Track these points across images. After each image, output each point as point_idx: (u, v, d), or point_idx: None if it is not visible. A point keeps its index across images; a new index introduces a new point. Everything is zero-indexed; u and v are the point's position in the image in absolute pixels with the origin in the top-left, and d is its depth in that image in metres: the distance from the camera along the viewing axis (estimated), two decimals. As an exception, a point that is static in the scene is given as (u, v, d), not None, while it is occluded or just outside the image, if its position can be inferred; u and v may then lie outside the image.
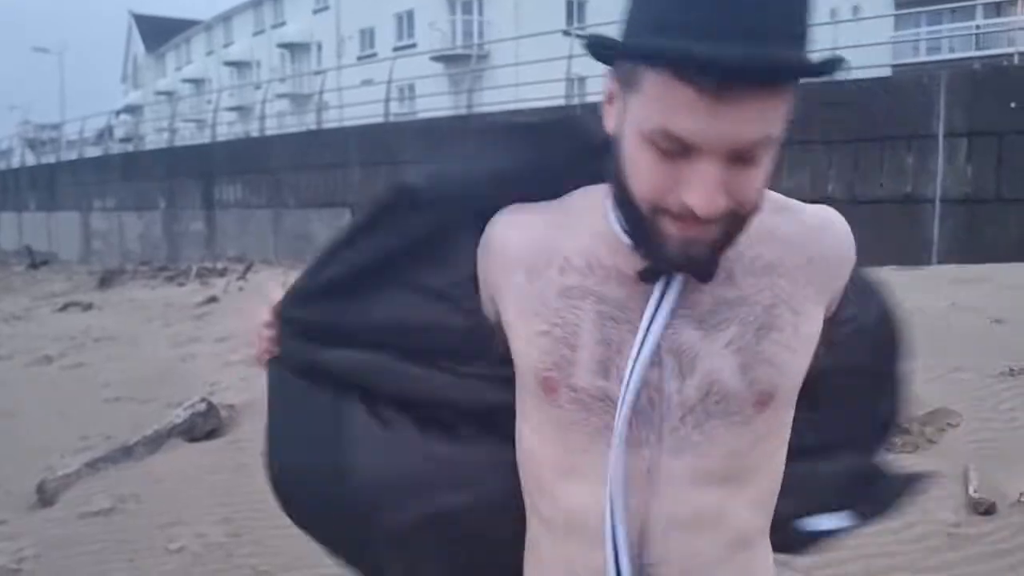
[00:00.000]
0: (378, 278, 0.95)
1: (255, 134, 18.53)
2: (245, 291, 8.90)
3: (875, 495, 1.10)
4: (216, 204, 16.41)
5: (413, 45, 27.72)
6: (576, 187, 0.90)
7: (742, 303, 0.83)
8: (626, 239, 0.81)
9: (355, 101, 16.99)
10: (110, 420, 4.39)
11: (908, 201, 8.18)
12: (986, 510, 2.61)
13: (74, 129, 25.85)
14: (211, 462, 3.64)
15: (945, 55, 18.67)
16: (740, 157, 0.72)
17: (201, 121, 26.04)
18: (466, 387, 0.93)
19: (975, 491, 2.69)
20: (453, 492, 0.92)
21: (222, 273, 11.00)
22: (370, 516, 0.94)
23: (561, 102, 13.67)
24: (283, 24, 37.76)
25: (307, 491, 0.99)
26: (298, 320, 0.98)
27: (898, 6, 20.86)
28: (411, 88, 21.53)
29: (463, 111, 14.17)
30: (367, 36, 32.11)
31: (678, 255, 0.76)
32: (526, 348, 0.86)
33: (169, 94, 39.39)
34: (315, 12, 35.48)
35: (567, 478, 0.85)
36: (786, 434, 0.89)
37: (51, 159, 25.72)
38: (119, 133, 28.15)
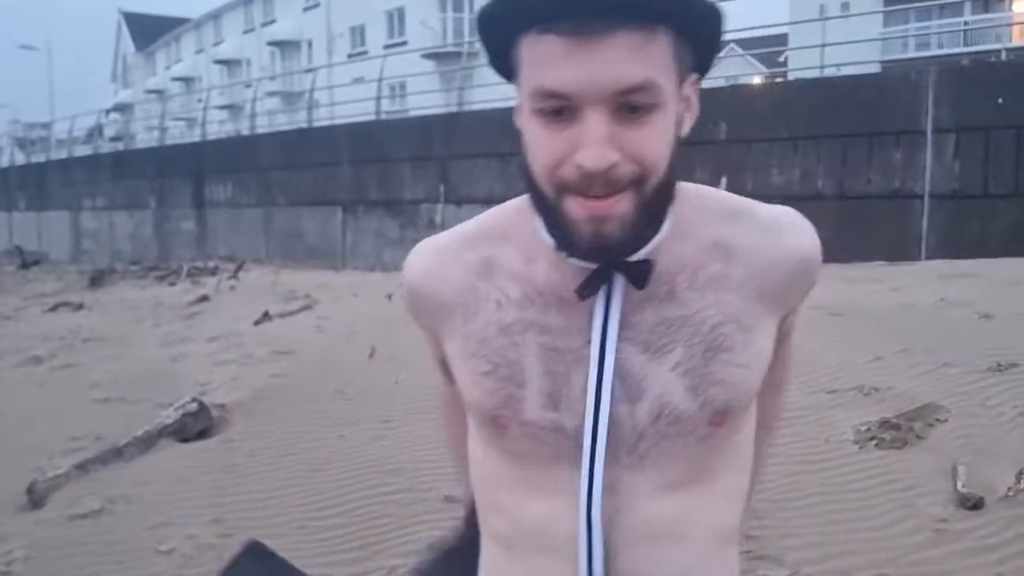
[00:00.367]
0: None
1: (245, 132, 18.47)
2: (236, 290, 8.87)
3: None
4: (207, 203, 16.35)
5: (404, 43, 27.66)
6: None
7: (685, 323, 0.79)
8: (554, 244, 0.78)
9: (346, 99, 16.95)
10: (100, 421, 4.37)
11: (896, 197, 8.21)
12: (974, 505, 2.62)
13: (64, 128, 25.69)
14: (202, 462, 3.63)
15: (934, 51, 18.73)
16: (626, 107, 0.70)
17: (191, 120, 25.93)
18: None
19: (963, 486, 2.70)
20: None
21: (213, 272, 10.97)
22: None
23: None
24: (273, 22, 37.62)
25: None
26: None
27: (887, 3, 20.90)
28: (402, 86, 21.47)
29: (454, 109, 14.14)
30: (358, 34, 32.03)
31: (590, 236, 0.72)
32: (472, 389, 0.83)
33: (159, 93, 39.22)
34: (305, 10, 35.38)
35: (527, 495, 0.83)
36: (751, 426, 0.88)
37: (41, 158, 25.57)
38: (109, 132, 28.00)
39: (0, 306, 9.62)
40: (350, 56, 30.28)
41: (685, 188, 0.83)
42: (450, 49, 25.60)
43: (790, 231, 0.84)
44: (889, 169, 8.23)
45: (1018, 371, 3.52)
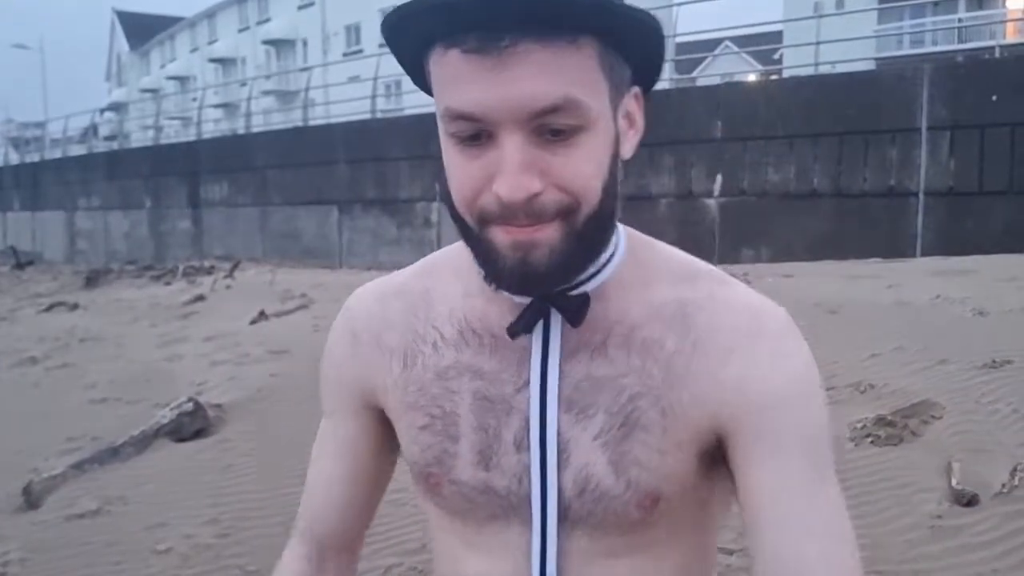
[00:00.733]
0: None
1: (241, 132, 18.44)
2: (232, 290, 8.86)
3: None
4: (202, 202, 16.32)
5: (399, 41, 27.59)
6: None
7: (607, 386, 0.71)
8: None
9: (341, 98, 16.94)
10: (96, 421, 4.36)
11: (892, 194, 8.23)
12: (968, 502, 2.63)
13: (58, 127, 25.63)
14: (198, 462, 3.62)
15: (928, 48, 18.76)
16: (546, 130, 0.62)
17: (186, 119, 25.89)
18: None
19: (958, 483, 2.71)
20: None
21: (209, 272, 10.94)
22: None
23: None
24: (268, 20, 37.59)
25: None
26: None
27: (881, 0, 20.94)
28: (398, 84, 21.47)
29: (450, 107, 14.10)
30: (353, 32, 32.01)
31: (516, 265, 0.65)
32: (409, 445, 0.79)
33: (154, 92, 39.16)
34: (300, 8, 35.35)
35: (466, 551, 0.80)
36: (702, 507, 0.77)
37: (35, 158, 25.51)
38: (104, 131, 27.95)
39: (-5, 306, 9.59)
40: (345, 54, 30.26)
41: (638, 238, 0.77)
42: (445, 47, 25.53)
43: (776, 339, 0.72)
44: (884, 167, 8.25)
45: (1012, 368, 3.53)
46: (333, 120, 15.71)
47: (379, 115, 15.21)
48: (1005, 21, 18.23)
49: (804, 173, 8.65)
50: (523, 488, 0.73)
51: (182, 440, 3.93)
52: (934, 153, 8.00)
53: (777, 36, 18.41)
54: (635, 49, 0.67)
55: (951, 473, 2.78)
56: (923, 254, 7.70)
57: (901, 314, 4.59)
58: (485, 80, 0.61)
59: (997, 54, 10.95)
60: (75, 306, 8.85)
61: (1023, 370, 3.49)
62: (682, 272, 0.75)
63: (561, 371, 0.72)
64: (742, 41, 22.79)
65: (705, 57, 26.24)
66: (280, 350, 5.39)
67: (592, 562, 0.74)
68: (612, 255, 0.73)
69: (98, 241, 19.21)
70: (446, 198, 0.69)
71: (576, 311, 0.70)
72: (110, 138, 26.63)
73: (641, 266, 0.75)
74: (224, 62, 40.85)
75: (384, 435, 0.84)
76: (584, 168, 0.64)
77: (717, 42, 27.69)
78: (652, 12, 0.66)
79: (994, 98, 7.65)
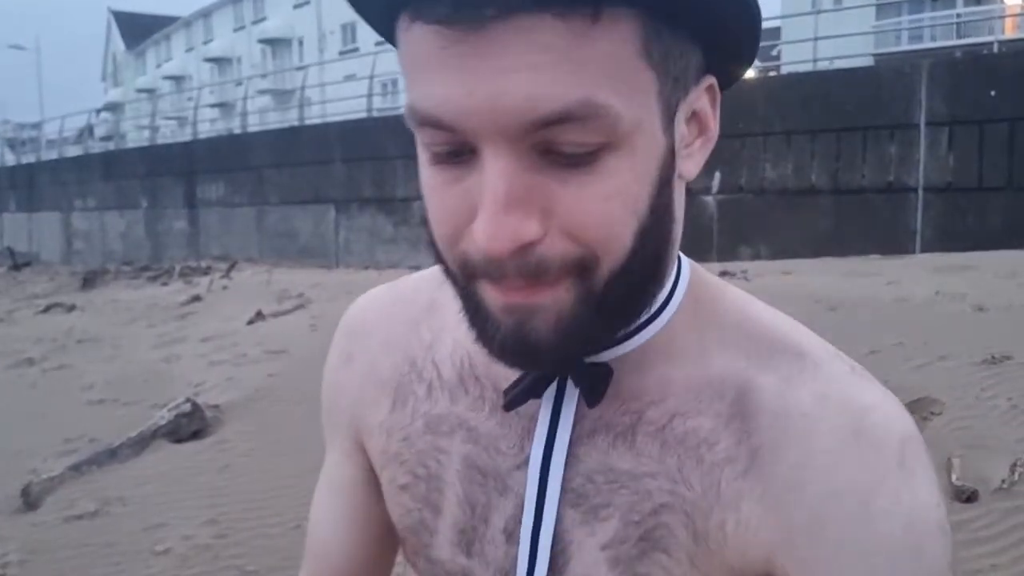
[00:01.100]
0: None
1: (237, 131, 18.42)
2: (229, 290, 8.84)
3: None
4: (199, 202, 16.30)
5: (396, 40, 27.62)
6: None
7: (628, 486, 0.53)
8: None
9: (337, 97, 16.93)
10: (94, 422, 4.35)
11: (891, 190, 8.23)
12: (968, 497, 2.63)
13: (54, 128, 25.61)
14: (196, 463, 3.62)
15: (927, 44, 18.78)
16: (550, 149, 0.43)
17: (182, 119, 25.86)
18: None
19: (958, 479, 2.71)
20: None
21: (206, 272, 10.93)
22: None
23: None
24: (264, 19, 37.59)
25: None
26: None
27: (879, -4, 20.95)
28: (394, 83, 21.44)
29: (447, 105, 14.11)
30: (349, 31, 31.98)
31: (511, 332, 0.46)
32: (389, 501, 0.64)
33: (150, 91, 39.13)
34: (296, 7, 35.33)
35: None
36: None
37: (31, 159, 25.47)
38: (100, 132, 27.92)
39: (-8, 308, 9.57)
40: (341, 53, 30.24)
41: (704, 282, 0.57)
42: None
43: (887, 460, 0.49)
44: (883, 162, 8.25)
45: (1012, 363, 3.53)
46: (329, 119, 15.71)
47: (375, 114, 15.20)
48: (1004, 16, 18.25)
49: (802, 169, 8.65)
50: None
51: (180, 441, 3.92)
52: (933, 149, 8.00)
53: (775, 32, 18.44)
54: (706, 20, 0.46)
55: (951, 469, 2.78)
56: (923, 250, 7.71)
57: (901, 310, 4.59)
58: (460, 69, 0.42)
59: (996, 49, 10.95)
60: (72, 307, 8.83)
61: (1023, 366, 3.49)
62: (760, 339, 0.54)
63: (572, 454, 0.54)
64: (739, 38, 22.82)
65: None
66: (277, 350, 5.39)
67: None
68: (664, 305, 0.54)
69: (95, 242, 19.19)
70: (426, 228, 0.50)
71: (592, 387, 0.51)
72: (106, 138, 26.62)
73: (701, 324, 0.55)
74: (220, 61, 40.84)
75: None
76: (606, 206, 0.44)
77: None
78: None
79: (992, 93, 7.65)
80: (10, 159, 27.92)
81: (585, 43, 0.41)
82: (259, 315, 6.65)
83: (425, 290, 0.65)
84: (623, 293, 0.47)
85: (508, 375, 0.54)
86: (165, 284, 10.38)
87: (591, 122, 0.42)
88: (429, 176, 0.47)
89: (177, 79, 43.20)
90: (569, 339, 0.47)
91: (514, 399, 0.53)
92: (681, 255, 0.57)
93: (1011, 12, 19.05)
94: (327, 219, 13.67)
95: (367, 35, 29.88)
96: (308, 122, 16.56)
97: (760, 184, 8.78)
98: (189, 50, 43.32)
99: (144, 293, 9.61)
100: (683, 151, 0.49)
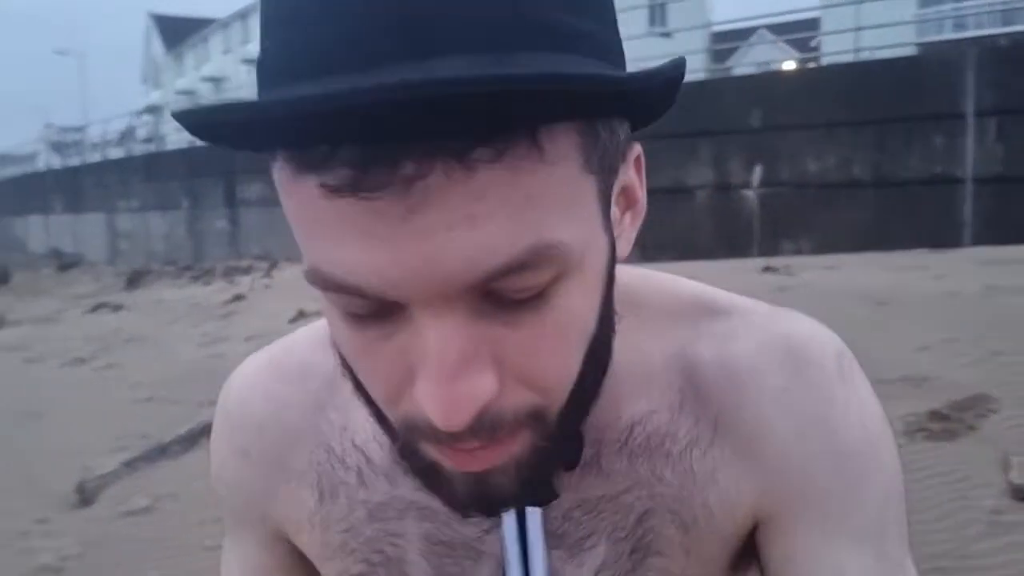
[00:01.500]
0: None
1: (275, 131, 18.63)
2: (271, 289, 8.96)
3: None
4: (239, 202, 16.53)
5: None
6: None
7: (606, 508, 0.51)
8: None
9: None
10: (144, 420, 4.44)
11: (938, 182, 8.06)
12: (1028, 497, 2.57)
13: (97, 131, 26.15)
14: (245, 460, 3.68)
15: (971, 32, 18.35)
16: (495, 293, 0.37)
17: (222, 120, 26.23)
18: None
19: (1017, 477, 2.65)
20: None
21: (247, 271, 11.09)
22: None
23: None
24: (300, 20, 37.96)
25: None
26: None
27: (921, -17, 20.54)
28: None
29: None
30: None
31: (468, 494, 0.43)
32: None
33: (189, 93, 39.75)
34: (331, 7, 35.64)
35: None
36: None
37: (75, 161, 26.06)
38: (141, 134, 28.45)
39: (41, 308, 9.82)
40: (377, 53, 30.41)
41: (628, 284, 0.52)
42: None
43: (823, 380, 0.52)
44: (929, 154, 8.07)
45: (1070, 359, 3.44)
46: (366, 118, 15.80)
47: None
48: (1050, 2, 17.77)
49: (844, 162, 8.50)
50: None
51: (228, 437, 3.99)
52: (981, 139, 7.81)
53: (814, 23, 18.16)
54: (638, 102, 0.40)
55: (1008, 468, 2.72)
56: (973, 242, 7.53)
57: (951, 305, 4.49)
58: (376, 236, 0.34)
59: (1043, 36, 10.66)
60: (119, 307, 9.02)
61: (1082, 361, 3.40)
62: (684, 314, 0.53)
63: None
64: (779, 29, 22.52)
65: (739, 46, 25.95)
66: (321, 348, 5.44)
67: None
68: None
69: (138, 242, 19.57)
70: (350, 377, 0.44)
71: (567, 466, 0.50)
72: (147, 140, 27.13)
73: (634, 333, 0.51)
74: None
75: (312, 571, 0.60)
76: (561, 343, 0.40)
77: (752, 31, 27.36)
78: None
79: (1042, 81, 7.45)
80: (56, 162, 28.59)
81: (526, 178, 0.35)
82: (301, 314, 6.72)
83: (315, 364, 0.58)
84: (576, 417, 0.44)
85: None
86: (207, 284, 10.56)
87: (544, 263, 0.36)
88: (348, 336, 0.40)
89: (215, 81, 43.83)
90: (531, 484, 0.43)
91: (466, 510, 0.46)
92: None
93: (1060, -3, 18.53)
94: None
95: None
96: (345, 121, 16.67)
97: (801, 178, 8.65)
98: (226, 52, 43.90)
99: (187, 292, 9.78)
100: (619, 235, 0.44)
